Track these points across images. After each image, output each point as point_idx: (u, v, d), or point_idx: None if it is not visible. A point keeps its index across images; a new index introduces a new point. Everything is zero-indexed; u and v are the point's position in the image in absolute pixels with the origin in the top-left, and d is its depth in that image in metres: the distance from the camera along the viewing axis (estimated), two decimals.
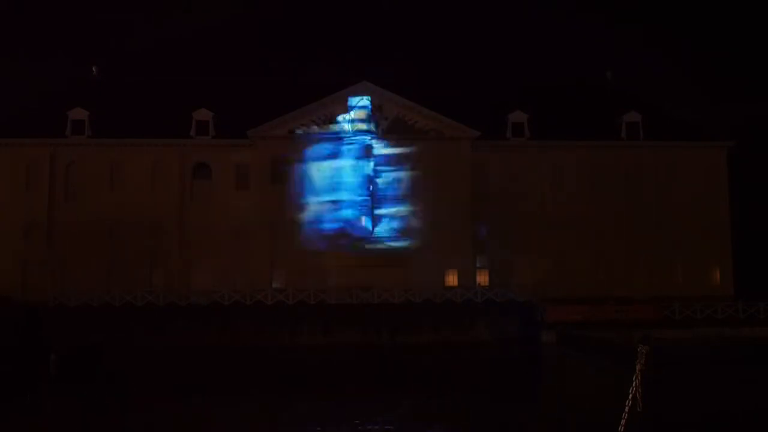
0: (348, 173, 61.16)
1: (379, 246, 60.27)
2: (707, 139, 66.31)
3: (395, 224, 60.72)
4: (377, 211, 60.78)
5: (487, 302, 55.80)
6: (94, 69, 69.50)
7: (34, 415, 28.20)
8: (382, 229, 60.66)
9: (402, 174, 61.55)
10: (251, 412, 27.96)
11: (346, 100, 62.17)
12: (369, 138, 61.41)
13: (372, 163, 61.44)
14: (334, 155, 61.29)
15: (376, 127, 62.09)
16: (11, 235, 60.69)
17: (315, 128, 61.89)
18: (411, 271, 59.67)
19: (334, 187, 60.89)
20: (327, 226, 60.34)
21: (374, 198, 60.94)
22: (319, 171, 61.05)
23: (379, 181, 61.50)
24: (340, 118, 61.95)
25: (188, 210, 62.70)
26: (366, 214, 60.61)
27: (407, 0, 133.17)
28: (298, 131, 61.85)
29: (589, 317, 52.84)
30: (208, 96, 64.68)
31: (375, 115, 62.23)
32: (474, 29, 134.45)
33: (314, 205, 60.63)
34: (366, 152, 61.45)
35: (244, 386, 35.04)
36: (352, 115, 61.98)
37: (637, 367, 14.70)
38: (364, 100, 62.15)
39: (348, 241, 60.11)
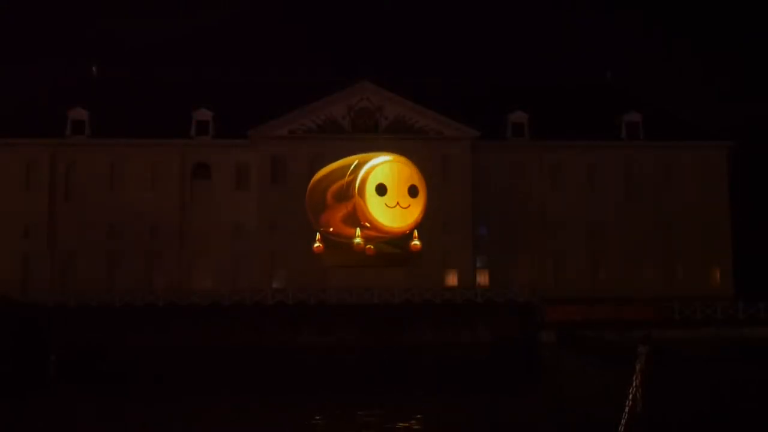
0: None
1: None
2: (707, 139, 66.28)
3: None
4: None
5: (487, 302, 55.72)
6: (94, 69, 69.43)
7: (34, 415, 28.18)
8: None
9: None
10: (250, 412, 27.94)
11: (346, 100, 62.20)
12: (369, 138, 61.30)
13: None
14: (334, 155, 61.18)
15: (376, 127, 62.11)
16: (11, 235, 60.66)
17: (315, 128, 61.90)
18: (411, 271, 59.60)
19: None
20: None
21: None
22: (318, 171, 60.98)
23: None
24: (340, 118, 61.99)
25: (188, 210, 62.67)
26: None
27: (408, 0, 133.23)
28: (298, 131, 61.86)
29: (589, 317, 52.77)
30: (208, 96, 64.64)
31: (375, 115, 62.26)
32: (474, 29, 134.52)
33: None
34: (365, 153, 61.37)
35: (243, 386, 35.02)
36: (352, 115, 62.03)
37: (637, 367, 14.69)
38: (364, 100, 62.17)
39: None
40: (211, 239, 62.10)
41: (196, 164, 63.43)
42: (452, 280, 61.43)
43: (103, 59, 75.82)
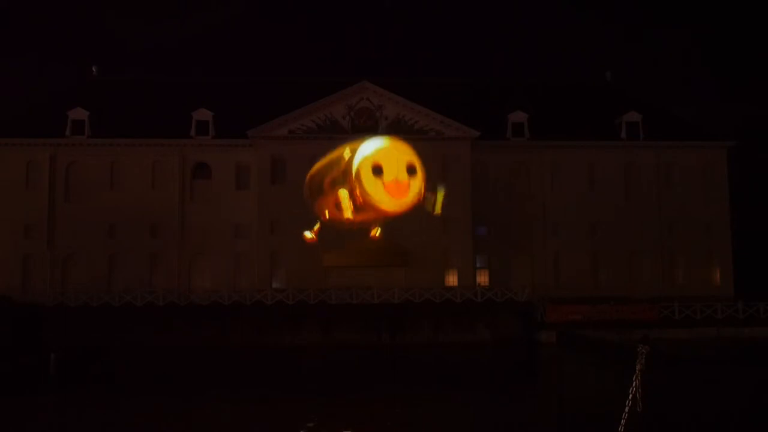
0: None
1: (380, 246, 60.21)
2: (707, 139, 66.29)
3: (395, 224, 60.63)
4: None
5: (487, 302, 55.77)
6: (94, 69, 69.46)
7: (34, 415, 28.19)
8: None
9: None
10: (249, 412, 27.94)
11: (346, 100, 62.21)
12: (369, 138, 61.26)
13: None
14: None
15: (376, 127, 62.10)
16: (11, 235, 60.66)
17: (315, 128, 61.91)
18: (411, 271, 59.67)
19: None
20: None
21: None
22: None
23: None
24: (340, 118, 62.01)
25: (188, 210, 62.67)
26: None
27: (407, 0, 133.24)
28: (298, 131, 61.88)
29: (589, 317, 52.83)
30: (208, 96, 64.66)
31: (375, 115, 62.27)
32: (474, 29, 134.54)
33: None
34: None
35: (242, 386, 35.02)
36: (352, 115, 62.04)
37: (637, 367, 14.68)
38: (364, 100, 62.18)
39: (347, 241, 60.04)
40: (211, 239, 62.11)
41: (196, 164, 63.44)
42: (452, 280, 61.43)
43: (103, 59, 75.92)
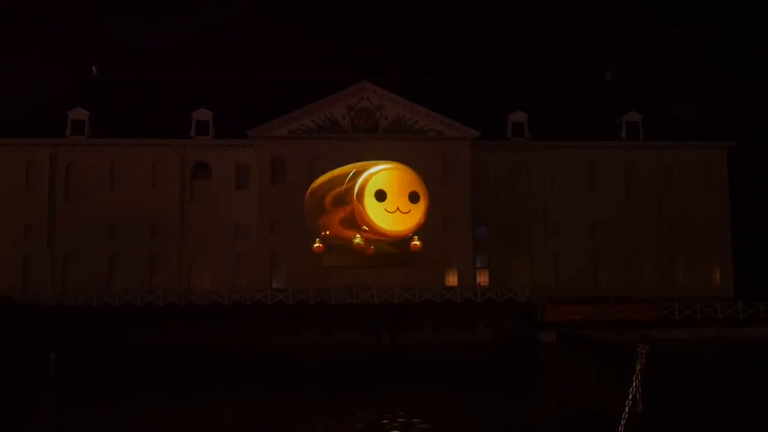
0: None
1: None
2: (707, 139, 66.29)
3: None
4: None
5: (487, 302, 55.76)
6: (94, 69, 69.46)
7: (34, 415, 28.18)
8: None
9: None
10: (248, 412, 27.94)
11: (346, 100, 62.19)
12: (369, 138, 61.30)
13: None
14: (334, 155, 61.22)
15: (376, 127, 62.10)
16: (11, 235, 60.68)
17: (315, 128, 61.90)
18: (411, 271, 59.64)
19: None
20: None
21: None
22: (318, 171, 60.98)
23: None
24: (340, 118, 61.99)
25: (188, 210, 62.67)
26: None
27: (408, 0, 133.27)
28: (298, 131, 61.87)
29: (589, 317, 52.83)
30: (208, 96, 64.67)
31: (375, 115, 62.23)
32: (474, 29, 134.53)
33: None
34: (366, 152, 61.33)
35: (243, 386, 35.01)
36: (352, 115, 62.02)
37: (637, 367, 14.67)
38: (364, 100, 62.17)
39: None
40: (211, 239, 62.12)
41: (196, 164, 63.45)
42: (452, 280, 61.42)
43: (103, 59, 75.88)
